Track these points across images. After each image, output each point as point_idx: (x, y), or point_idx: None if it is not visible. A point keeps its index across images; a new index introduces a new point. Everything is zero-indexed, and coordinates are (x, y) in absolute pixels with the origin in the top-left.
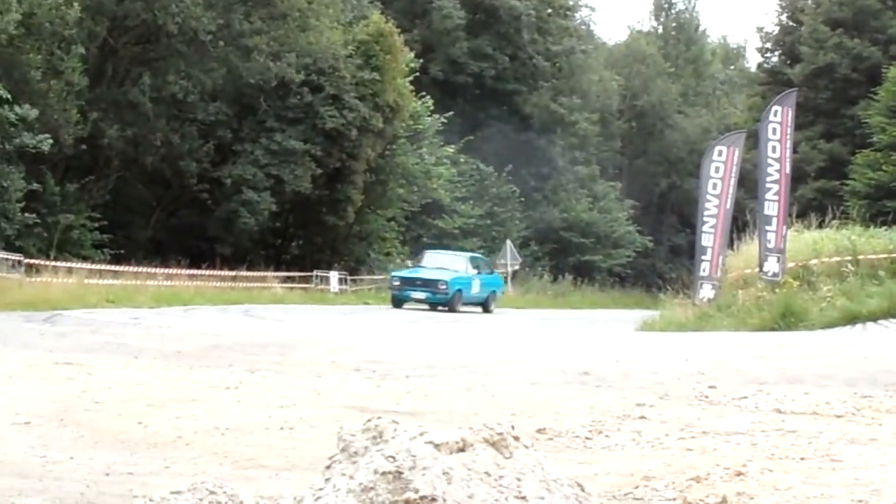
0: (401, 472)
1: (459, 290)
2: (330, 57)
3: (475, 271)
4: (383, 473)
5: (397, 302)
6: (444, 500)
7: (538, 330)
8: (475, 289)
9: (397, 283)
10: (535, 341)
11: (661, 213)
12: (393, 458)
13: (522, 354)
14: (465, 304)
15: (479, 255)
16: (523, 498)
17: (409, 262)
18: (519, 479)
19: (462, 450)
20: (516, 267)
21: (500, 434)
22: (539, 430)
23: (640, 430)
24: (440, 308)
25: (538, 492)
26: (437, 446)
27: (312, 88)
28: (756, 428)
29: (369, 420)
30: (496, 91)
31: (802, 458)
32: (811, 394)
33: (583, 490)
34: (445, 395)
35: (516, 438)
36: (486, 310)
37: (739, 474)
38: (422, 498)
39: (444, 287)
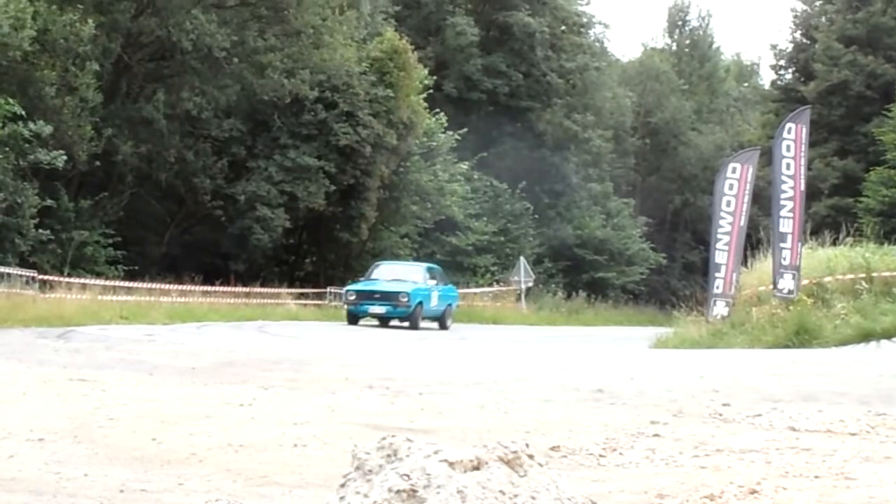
0: (415, 491)
1: (420, 303)
2: (344, 74)
3: (434, 282)
4: (398, 492)
5: (353, 318)
6: None
7: (551, 347)
8: (434, 301)
9: (353, 297)
10: (548, 358)
11: (674, 230)
12: (407, 476)
13: (536, 371)
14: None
15: (435, 265)
16: None
17: (359, 277)
18: (534, 498)
19: (477, 468)
20: (530, 284)
21: (515, 452)
22: (553, 448)
23: (654, 448)
24: (396, 324)
25: None
26: (451, 464)
27: (326, 105)
28: (770, 446)
29: (384, 438)
30: (510, 108)
31: (817, 477)
32: (825, 411)
33: None
34: (459, 413)
35: (531, 457)
36: (443, 326)
37: (754, 492)
38: None
39: (405, 300)
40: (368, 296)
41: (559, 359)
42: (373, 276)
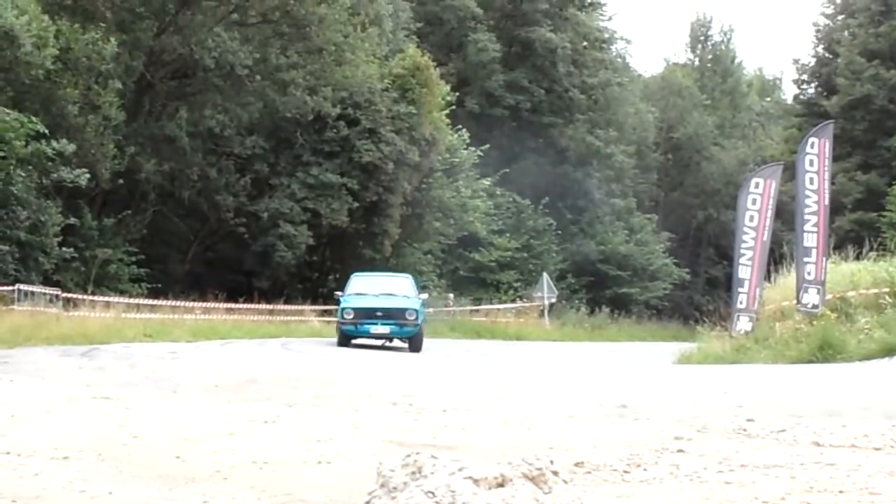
0: None
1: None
2: (366, 90)
3: (423, 296)
4: None
5: (346, 338)
6: None
7: (575, 363)
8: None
9: (350, 315)
10: (571, 374)
11: (697, 246)
12: (432, 493)
13: (559, 387)
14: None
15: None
16: None
17: (337, 294)
18: None
19: (501, 485)
20: (553, 300)
21: (539, 469)
22: (577, 464)
23: (679, 464)
24: (392, 344)
25: None
26: (476, 482)
27: (349, 122)
28: (794, 461)
29: (408, 455)
30: (532, 124)
31: (841, 492)
32: (849, 426)
33: None
34: (482, 429)
35: (555, 473)
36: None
37: None
38: None
39: (412, 317)
40: (369, 314)
41: (582, 375)
42: (357, 291)
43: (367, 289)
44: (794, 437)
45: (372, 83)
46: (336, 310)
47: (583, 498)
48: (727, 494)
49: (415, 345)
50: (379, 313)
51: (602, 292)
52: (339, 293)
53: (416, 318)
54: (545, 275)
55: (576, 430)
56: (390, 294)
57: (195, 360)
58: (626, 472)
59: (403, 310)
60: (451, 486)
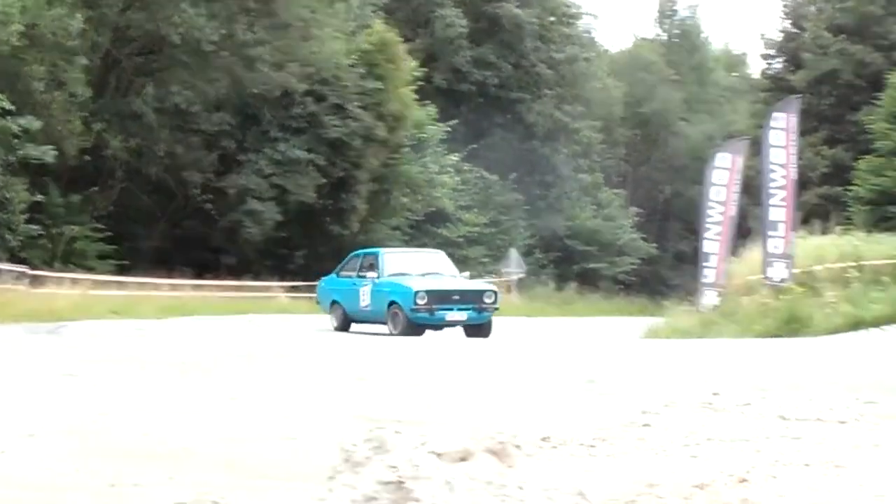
0: (403, 482)
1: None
2: (333, 66)
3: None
4: (385, 483)
5: (418, 329)
6: None
7: (543, 338)
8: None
9: (424, 300)
10: (539, 349)
11: (665, 221)
12: (395, 467)
13: (527, 362)
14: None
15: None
16: None
17: (342, 272)
18: (521, 488)
19: (464, 459)
20: (521, 275)
21: (502, 444)
22: (544, 439)
23: (645, 438)
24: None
25: (540, 500)
26: (439, 456)
27: (316, 98)
28: (760, 434)
29: (371, 430)
30: (500, 99)
31: (807, 465)
32: (815, 400)
33: (584, 498)
34: (450, 404)
35: (518, 447)
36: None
37: (743, 481)
38: None
39: (490, 300)
40: (444, 297)
41: (550, 349)
42: (396, 271)
43: (406, 268)
44: (759, 410)
45: (339, 59)
46: (317, 289)
47: (545, 471)
48: (693, 468)
49: (486, 331)
50: (455, 297)
51: (570, 267)
52: (345, 273)
53: (494, 302)
54: (513, 250)
55: (543, 405)
56: (437, 273)
57: (162, 337)
58: (592, 446)
59: (481, 292)
60: (413, 460)
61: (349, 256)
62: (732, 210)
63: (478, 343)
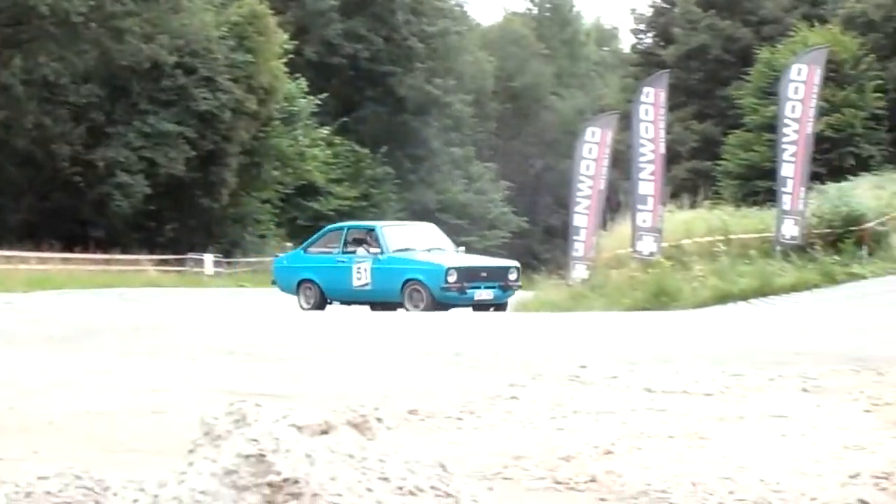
0: (263, 455)
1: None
2: (203, 39)
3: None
4: (246, 456)
5: (443, 307)
6: (307, 483)
7: (413, 312)
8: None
9: (454, 278)
10: (408, 323)
11: (536, 194)
12: (256, 441)
13: (396, 336)
14: None
15: None
16: (386, 479)
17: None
18: (382, 461)
19: (325, 432)
20: None
21: (364, 416)
22: (411, 412)
23: (512, 410)
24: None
25: (401, 473)
26: (300, 429)
27: (186, 70)
28: (626, 407)
29: (232, 403)
30: (371, 73)
31: (671, 437)
32: (681, 373)
33: (445, 470)
34: (318, 379)
35: (379, 420)
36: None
37: (609, 453)
38: (284, 480)
39: (514, 277)
40: (475, 275)
41: (419, 323)
42: (401, 246)
43: (409, 243)
44: (626, 383)
45: (209, 31)
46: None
47: (407, 444)
48: (559, 440)
49: (504, 310)
50: (483, 274)
51: None
52: (305, 248)
53: (517, 279)
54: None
55: (411, 379)
56: (439, 248)
57: (30, 311)
58: (459, 419)
59: (506, 269)
60: (274, 433)
61: (323, 231)
62: (602, 184)
63: (349, 317)
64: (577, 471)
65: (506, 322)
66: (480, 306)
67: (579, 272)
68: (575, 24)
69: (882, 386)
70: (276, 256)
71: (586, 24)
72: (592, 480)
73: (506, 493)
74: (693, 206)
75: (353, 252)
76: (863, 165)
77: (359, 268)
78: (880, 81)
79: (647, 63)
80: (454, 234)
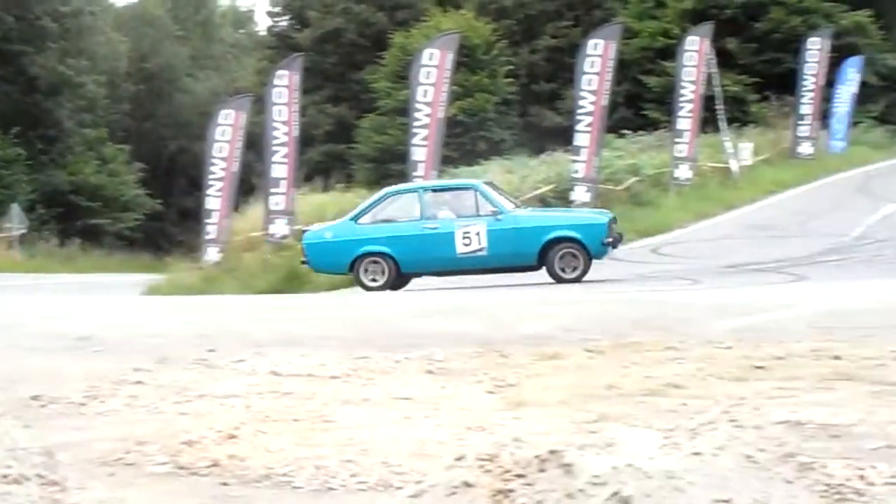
0: None
1: None
2: None
3: None
4: None
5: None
6: None
7: (42, 295)
8: None
9: (612, 230)
10: (34, 306)
11: (170, 176)
12: None
13: (19, 319)
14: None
15: None
16: None
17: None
18: None
19: None
20: (23, 231)
21: None
22: (34, 398)
23: (137, 395)
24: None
25: (6, 461)
26: None
27: None
28: (252, 391)
29: None
30: (1, 52)
31: (296, 420)
32: (309, 355)
33: (52, 458)
34: None
35: None
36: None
37: (232, 437)
38: None
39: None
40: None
41: (46, 306)
42: (511, 206)
43: (504, 201)
44: (252, 367)
45: None
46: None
47: (12, 432)
48: (183, 425)
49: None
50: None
51: (73, 223)
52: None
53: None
54: (15, 205)
55: (35, 363)
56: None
57: None
58: (82, 404)
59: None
60: None
61: (380, 197)
62: (235, 166)
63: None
64: (199, 455)
65: (135, 306)
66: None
67: (212, 255)
68: (210, 6)
69: (505, 368)
70: (306, 231)
71: (222, 5)
72: (215, 465)
73: (127, 478)
74: (326, 189)
75: (434, 216)
76: (495, 150)
77: (466, 232)
78: (512, 67)
79: (282, 46)
80: (87, 216)
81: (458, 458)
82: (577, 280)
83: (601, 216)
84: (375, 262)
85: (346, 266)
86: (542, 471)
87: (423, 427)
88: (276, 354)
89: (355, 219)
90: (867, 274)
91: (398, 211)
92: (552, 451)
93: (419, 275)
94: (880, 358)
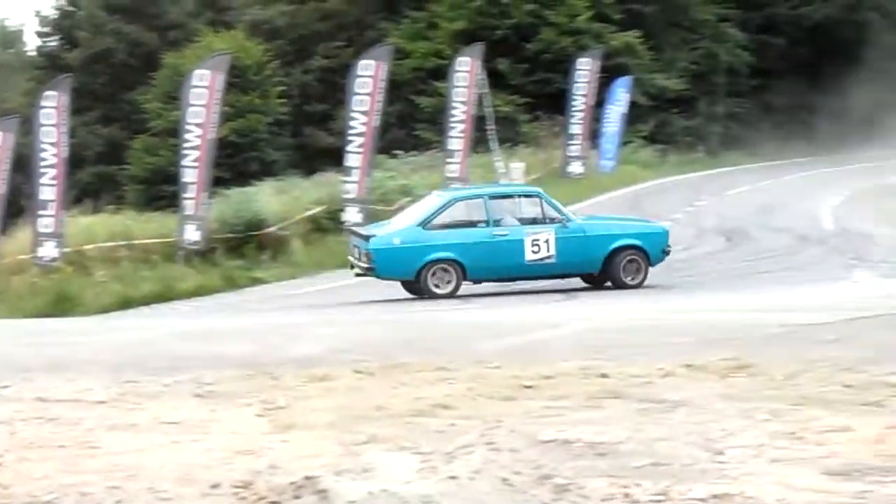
0: None
1: None
2: None
3: None
4: None
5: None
6: None
7: None
8: None
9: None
10: None
11: None
12: None
13: None
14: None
15: None
16: None
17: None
18: None
19: None
20: None
21: None
22: None
23: None
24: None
25: None
26: None
27: None
28: (16, 417)
29: None
30: None
31: (62, 446)
32: (76, 380)
33: None
34: None
35: None
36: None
37: None
38: None
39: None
40: None
41: None
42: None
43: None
44: (18, 392)
45: None
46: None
47: None
48: None
49: None
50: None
51: None
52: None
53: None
54: None
55: None
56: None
57: None
58: None
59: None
60: None
61: (447, 202)
62: (3, 188)
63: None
64: None
65: None
66: None
67: None
68: None
69: (275, 390)
70: (372, 237)
71: None
72: None
73: None
74: (96, 210)
75: (499, 222)
76: (267, 170)
77: (535, 239)
78: (284, 87)
79: (52, 66)
80: None
81: (214, 486)
82: (639, 286)
83: (659, 226)
84: (445, 269)
85: (415, 272)
86: (297, 497)
87: (191, 451)
88: (42, 380)
89: (423, 224)
90: (635, 293)
91: (464, 217)
92: (308, 478)
93: (481, 282)
94: (647, 376)
